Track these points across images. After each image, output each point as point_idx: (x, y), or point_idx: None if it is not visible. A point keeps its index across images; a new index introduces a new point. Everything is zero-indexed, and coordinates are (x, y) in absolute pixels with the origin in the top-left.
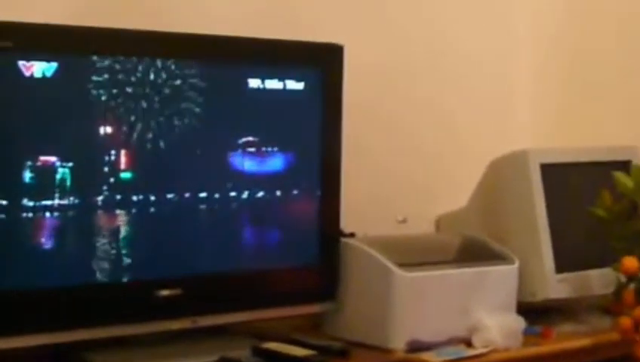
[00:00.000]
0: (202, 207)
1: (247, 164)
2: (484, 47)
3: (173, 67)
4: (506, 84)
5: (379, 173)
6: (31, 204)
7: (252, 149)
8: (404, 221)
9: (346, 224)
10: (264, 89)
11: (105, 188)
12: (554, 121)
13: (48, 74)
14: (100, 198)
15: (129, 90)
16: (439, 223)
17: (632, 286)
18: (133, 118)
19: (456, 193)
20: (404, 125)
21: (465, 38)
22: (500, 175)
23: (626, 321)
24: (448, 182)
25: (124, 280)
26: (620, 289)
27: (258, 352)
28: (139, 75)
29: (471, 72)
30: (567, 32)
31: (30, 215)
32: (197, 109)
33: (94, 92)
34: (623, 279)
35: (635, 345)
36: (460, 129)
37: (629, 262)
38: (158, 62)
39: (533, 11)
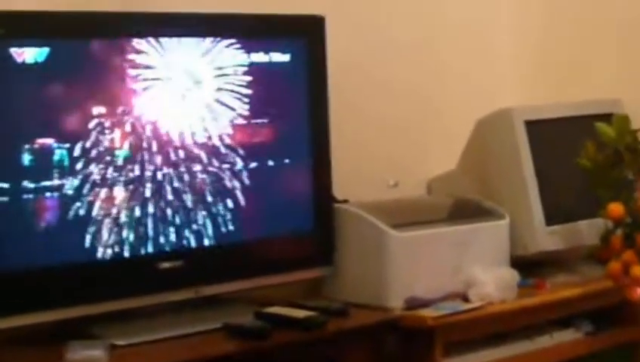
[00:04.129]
0: (198, 179)
1: (239, 136)
2: (466, 11)
3: (160, 45)
4: (488, 43)
5: (368, 139)
6: (31, 185)
7: (243, 122)
8: (395, 185)
9: (338, 191)
10: (251, 63)
11: (102, 166)
12: (538, 77)
13: (40, 59)
14: (98, 177)
15: (119, 70)
16: (430, 186)
17: (618, 231)
18: (125, 98)
19: (447, 155)
20: (392, 93)
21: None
22: (486, 134)
23: (615, 266)
24: (438, 144)
25: (126, 255)
26: (608, 235)
27: (260, 316)
28: (127, 55)
29: (454, 37)
30: None
31: (31, 196)
32: (186, 85)
33: (85, 74)
34: (610, 225)
35: (626, 288)
36: (447, 91)
37: (615, 207)
38: (147, 42)
39: None
